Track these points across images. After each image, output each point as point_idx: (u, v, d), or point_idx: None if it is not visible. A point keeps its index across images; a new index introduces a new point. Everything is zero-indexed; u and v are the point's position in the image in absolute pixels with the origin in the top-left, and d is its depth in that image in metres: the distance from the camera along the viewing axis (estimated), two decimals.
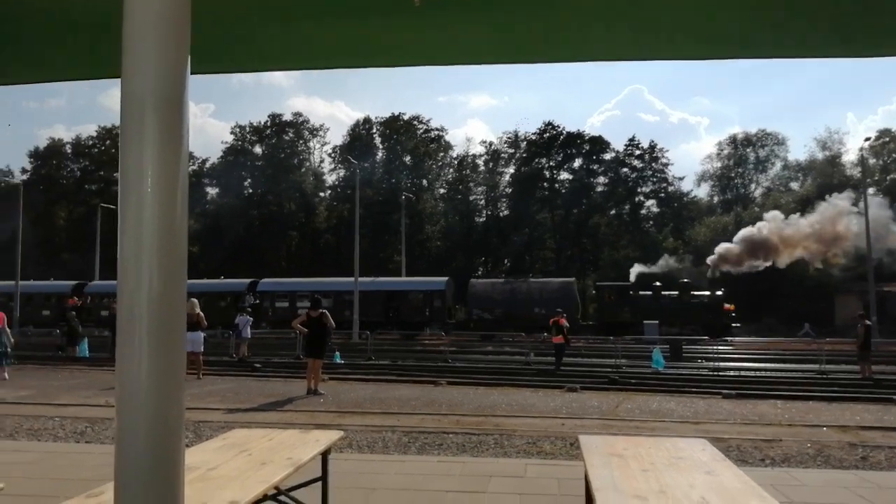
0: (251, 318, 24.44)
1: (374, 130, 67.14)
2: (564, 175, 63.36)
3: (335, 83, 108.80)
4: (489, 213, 65.79)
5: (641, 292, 36.22)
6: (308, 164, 69.02)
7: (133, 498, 0.77)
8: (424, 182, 65.37)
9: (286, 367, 19.84)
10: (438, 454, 7.25)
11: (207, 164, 66.48)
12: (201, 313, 15.88)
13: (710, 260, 38.85)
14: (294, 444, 3.34)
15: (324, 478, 3.58)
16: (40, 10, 1.69)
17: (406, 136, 65.15)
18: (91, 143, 68.27)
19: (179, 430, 0.81)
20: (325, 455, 3.50)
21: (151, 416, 0.77)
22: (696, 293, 35.03)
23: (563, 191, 62.36)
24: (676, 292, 35.37)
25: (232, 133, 68.26)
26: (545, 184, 62.69)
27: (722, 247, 38.25)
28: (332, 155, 68.32)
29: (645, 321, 32.66)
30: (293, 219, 63.84)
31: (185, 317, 0.84)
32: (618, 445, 3.54)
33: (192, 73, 0.85)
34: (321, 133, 69.69)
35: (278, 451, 3.22)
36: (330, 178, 69.04)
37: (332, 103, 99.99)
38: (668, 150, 63.09)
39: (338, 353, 21.93)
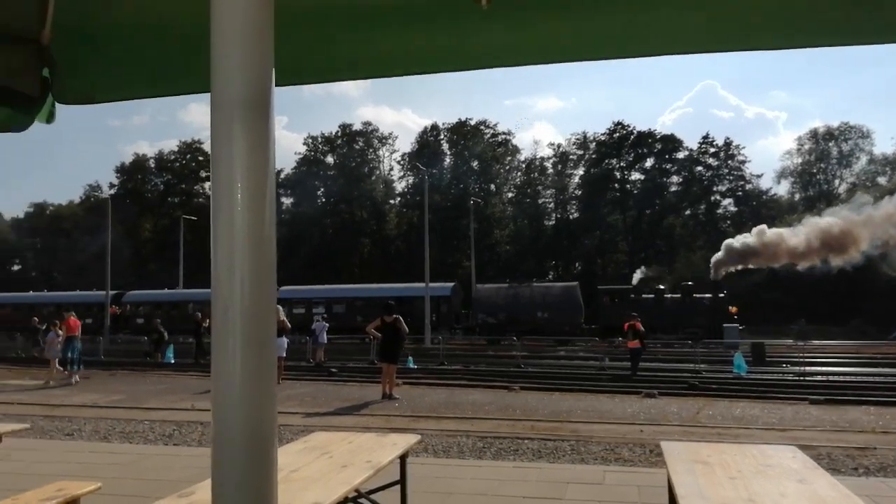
0: (327, 324, 24.97)
1: (442, 136, 67.63)
2: (636, 175, 62.11)
3: (402, 91, 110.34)
4: (559, 215, 65.13)
5: (644, 295, 35.95)
6: (378, 172, 70.12)
7: (229, 498, 0.80)
8: (492, 186, 65.33)
9: (361, 371, 20.17)
10: (514, 459, 7.21)
11: (282, 175, 68.46)
12: (285, 319, 16.34)
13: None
14: (373, 448, 3.39)
15: (402, 481, 3.62)
16: (129, 29, 1.78)
17: (473, 141, 65.29)
18: (173, 157, 71.43)
19: (272, 433, 0.83)
20: (403, 458, 3.53)
21: (245, 419, 0.80)
22: (697, 295, 34.72)
23: (635, 191, 61.10)
24: (679, 295, 35.23)
25: (305, 144, 70.04)
26: (616, 185, 61.59)
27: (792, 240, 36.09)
28: (401, 162, 69.27)
29: (725, 324, 31.50)
30: (365, 226, 64.96)
31: (275, 322, 0.87)
32: (702, 452, 3.43)
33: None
34: (390, 141, 70.77)
35: (358, 453, 3.28)
36: (399, 186, 69.99)
37: (400, 111, 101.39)
38: (744, 147, 60.79)
39: (411, 358, 22.13)
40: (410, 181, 67.30)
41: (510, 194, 67.36)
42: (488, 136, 66.97)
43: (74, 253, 64.27)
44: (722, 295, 34.60)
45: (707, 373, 19.67)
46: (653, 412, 11.42)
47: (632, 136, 60.93)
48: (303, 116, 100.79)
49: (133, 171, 71.37)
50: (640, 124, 63.87)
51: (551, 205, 66.14)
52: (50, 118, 1.99)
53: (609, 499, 5.40)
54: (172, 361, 24.81)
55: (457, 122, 66.81)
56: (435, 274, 39.91)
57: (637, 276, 40.56)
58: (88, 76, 1.91)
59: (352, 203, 64.74)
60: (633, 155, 61.28)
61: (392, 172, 70.87)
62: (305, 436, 8.69)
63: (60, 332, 16.96)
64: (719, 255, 35.84)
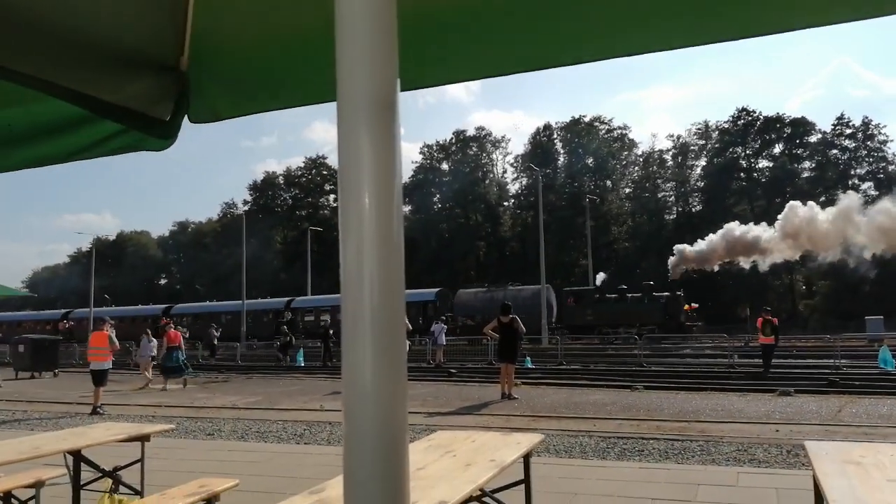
0: (446, 326, 25.34)
1: (555, 136, 66.88)
2: (763, 163, 58.60)
3: (513, 93, 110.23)
4: (680, 209, 62.64)
5: (608, 295, 37.61)
6: (492, 175, 70.42)
7: (363, 495, 0.83)
8: (608, 183, 63.86)
9: (480, 372, 20.28)
10: (640, 460, 7.00)
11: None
12: (407, 321, 16.71)
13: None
14: (496, 447, 3.40)
15: (526, 481, 3.61)
16: (258, 44, 1.89)
17: (588, 138, 64.11)
18: (300, 173, 75.14)
19: (403, 432, 0.85)
20: (526, 458, 3.52)
21: (377, 420, 0.82)
22: (657, 294, 36.36)
23: (763, 180, 57.66)
24: (640, 294, 36.61)
25: (420, 153, 71.48)
26: (742, 174, 58.41)
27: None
28: (514, 164, 69.17)
29: (867, 317, 29.27)
30: (480, 229, 65.39)
31: (404, 325, 0.88)
32: (854, 452, 3.17)
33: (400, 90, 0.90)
34: (503, 144, 70.87)
35: (481, 452, 3.30)
36: (513, 188, 69.89)
37: (511, 113, 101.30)
38: (884, 126, 55.80)
39: (528, 358, 22.02)
40: (524, 182, 67.08)
41: (627, 190, 65.56)
42: (603, 132, 65.54)
43: (214, 266, 69.04)
44: (680, 293, 36.62)
45: (848, 368, 18.22)
46: (789, 411, 10.72)
47: (758, 122, 57.57)
48: (418, 126, 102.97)
49: (264, 188, 75.71)
50: (766, 109, 60.01)
51: (672, 198, 63.75)
52: (174, 136, 2.12)
53: (744, 501, 5.13)
54: (303, 364, 26.06)
55: (570, 121, 65.91)
56: (551, 274, 39.55)
57: (600, 277, 43.45)
58: (217, 94, 2.02)
59: (466, 207, 65.39)
60: (759, 141, 57.88)
61: (505, 175, 70.96)
62: (429, 434, 8.87)
63: (153, 340, 18.70)
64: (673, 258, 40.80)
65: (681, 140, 63.08)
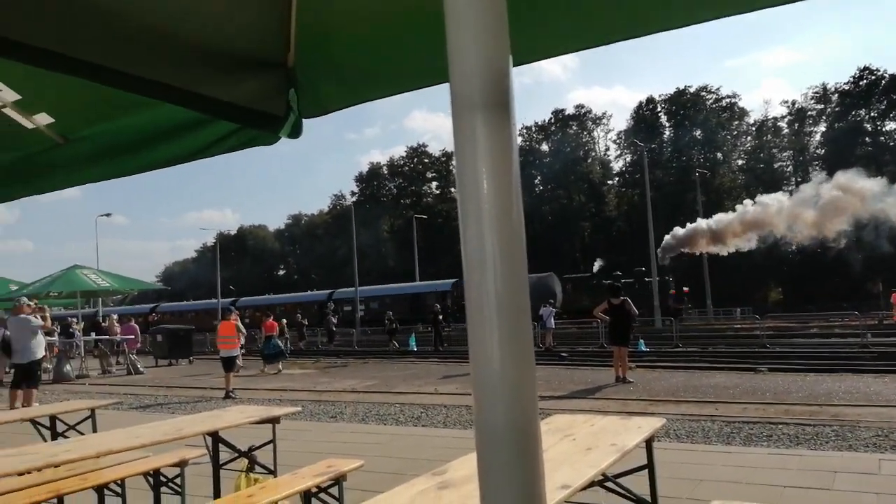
0: (554, 309, 25.14)
1: (659, 109, 64.40)
2: (891, 125, 53.92)
3: (613, 68, 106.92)
4: (798, 179, 58.79)
5: (604, 281, 36.30)
6: (594, 153, 68.84)
7: (497, 480, 0.83)
8: (719, 155, 60.87)
9: (592, 355, 19.98)
10: (768, 446, 6.68)
11: None
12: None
13: None
14: (617, 431, 3.34)
15: (650, 466, 3.52)
16: (364, 36, 1.92)
17: (694, 110, 61.31)
18: (402, 162, 76.54)
19: (535, 415, 0.85)
20: (649, 443, 3.44)
21: (507, 403, 0.82)
22: (648, 279, 36.96)
23: (892, 143, 53.06)
24: (632, 279, 37.48)
25: (520, 135, 70.88)
26: (867, 139, 54.00)
27: None
28: (617, 141, 67.27)
29: None
30: (584, 210, 64.16)
31: (529, 308, 0.87)
32: None
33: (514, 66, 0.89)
34: (604, 121, 69.08)
35: (601, 436, 3.25)
36: (617, 165, 68.03)
37: (612, 89, 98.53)
38: None
39: (642, 341, 21.46)
40: (628, 159, 65.13)
41: (740, 162, 62.23)
42: (711, 101, 62.44)
43: (327, 255, 71.77)
44: (669, 278, 38.30)
45: None
46: None
47: (883, 82, 52.96)
48: (516, 108, 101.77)
49: (370, 178, 77.79)
50: (892, 67, 55.21)
51: (789, 168, 59.93)
52: (295, 133, 2.20)
53: (889, 490, 4.78)
54: (415, 349, 26.66)
55: (675, 92, 63.25)
56: None
57: (597, 265, 45.10)
58: (324, 87, 2.07)
59: (569, 188, 64.31)
60: (885, 102, 53.26)
61: (608, 152, 69.16)
62: (544, 418, 8.84)
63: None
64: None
65: (797, 106, 59.11)
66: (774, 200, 39.20)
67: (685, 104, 61.94)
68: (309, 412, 10.07)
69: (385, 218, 73.37)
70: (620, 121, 79.87)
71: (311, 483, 3.83)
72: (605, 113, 75.47)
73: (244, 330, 14.54)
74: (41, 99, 2.51)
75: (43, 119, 2.58)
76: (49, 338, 12.87)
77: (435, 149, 79.31)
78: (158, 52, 1.80)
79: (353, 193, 77.48)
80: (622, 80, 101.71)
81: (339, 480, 3.94)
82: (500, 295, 0.82)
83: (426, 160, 75.12)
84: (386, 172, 77.92)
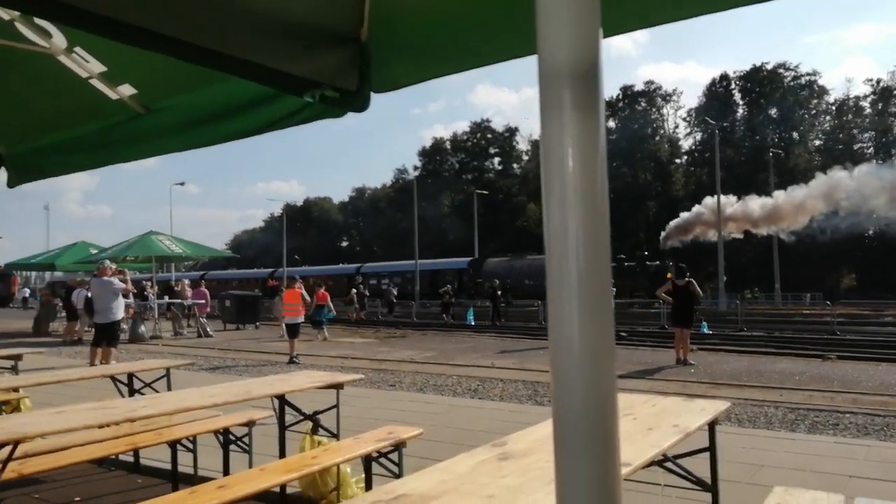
0: (614, 289, 24.84)
1: (733, 86, 61.98)
2: None
3: (685, 44, 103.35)
4: (880, 160, 55.82)
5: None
6: (662, 131, 66.96)
7: (573, 456, 0.85)
8: (795, 135, 58.31)
9: (651, 336, 19.69)
10: (834, 434, 6.49)
11: None
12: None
13: None
14: (678, 412, 3.32)
15: (711, 448, 3.49)
16: (439, 9, 1.93)
17: (770, 88, 58.72)
18: (465, 137, 76.24)
19: (613, 393, 0.85)
20: (712, 425, 3.40)
21: (585, 380, 0.82)
22: (649, 263, 37.84)
23: None
24: (634, 262, 38.26)
25: None
26: None
27: None
28: (687, 119, 65.20)
29: None
30: (649, 188, 62.70)
31: (611, 285, 0.86)
32: None
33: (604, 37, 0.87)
34: (674, 98, 66.97)
35: (663, 417, 3.23)
36: (686, 144, 66.03)
37: (683, 65, 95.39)
38: None
39: (705, 323, 21.01)
40: (698, 137, 63.12)
41: (817, 142, 59.49)
42: (789, 79, 59.69)
43: (389, 228, 72.55)
44: (669, 262, 37.62)
45: None
46: None
47: None
48: None
49: (432, 153, 77.85)
50: None
51: (870, 150, 56.95)
52: (363, 106, 2.23)
53: None
54: (473, 323, 26.83)
55: (750, 69, 60.63)
56: None
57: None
58: (396, 62, 2.09)
59: (635, 165, 62.85)
60: None
61: (677, 130, 67.14)
62: None
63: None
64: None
65: (881, 84, 55.88)
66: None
67: (761, 81, 59.39)
68: (369, 380, 10.30)
69: (446, 193, 73.44)
70: (691, 98, 77.40)
71: (373, 448, 3.95)
72: (675, 90, 72.96)
73: (308, 298, 14.93)
74: (125, 71, 2.62)
75: (126, 90, 2.70)
76: (127, 300, 13.50)
77: (498, 124, 78.81)
78: (235, 27, 1.85)
79: (415, 168, 77.82)
80: (694, 55, 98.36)
81: (398, 447, 4.05)
82: (581, 272, 0.82)
83: (489, 135, 74.63)
84: (449, 147, 77.80)
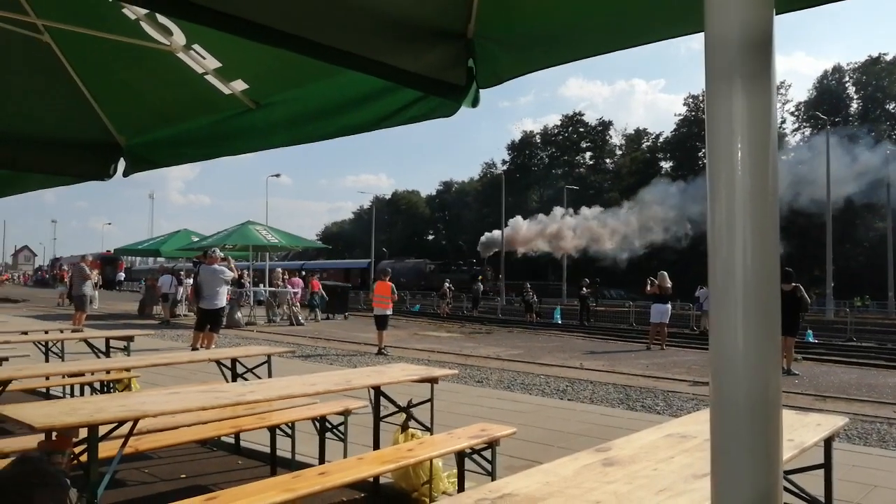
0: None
1: (846, 79, 58.26)
2: None
3: (793, 34, 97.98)
4: None
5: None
6: None
7: (733, 465, 0.79)
8: None
9: None
10: None
11: (661, 139, 67.03)
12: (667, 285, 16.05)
13: None
14: (792, 425, 3.13)
15: (827, 466, 3.27)
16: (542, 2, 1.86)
17: (890, 80, 54.82)
18: (556, 131, 75.25)
19: (777, 401, 0.80)
20: (828, 442, 3.19)
21: (747, 386, 0.78)
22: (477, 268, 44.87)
23: None
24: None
25: (685, 104, 67.00)
26: None
27: None
28: (795, 113, 61.83)
29: None
30: None
31: (778, 288, 0.81)
32: None
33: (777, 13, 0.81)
34: (781, 90, 63.60)
35: None
36: (793, 139, 62.62)
37: (791, 56, 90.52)
38: None
39: (810, 332, 19.90)
40: (806, 133, 59.78)
41: None
42: None
43: (475, 223, 72.66)
44: (480, 268, 46.38)
45: None
46: None
47: None
48: (681, 75, 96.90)
49: (521, 147, 77.27)
50: None
51: None
52: (475, 102, 2.21)
53: None
54: (560, 322, 26.51)
55: (866, 60, 56.84)
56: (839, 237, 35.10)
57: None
58: (501, 57, 2.06)
59: None
60: None
61: (784, 125, 63.78)
62: (696, 404, 8.48)
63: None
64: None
65: None
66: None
67: (879, 73, 55.56)
68: (456, 375, 10.32)
69: (535, 187, 72.78)
70: (800, 91, 73.25)
71: (466, 444, 3.94)
72: (783, 82, 69.37)
73: (396, 291, 15.15)
74: (238, 66, 2.71)
75: (239, 85, 2.80)
76: (233, 287, 14.21)
77: (592, 118, 77.21)
78: (346, 21, 1.87)
79: (503, 162, 77.47)
80: (802, 46, 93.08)
81: (492, 445, 4.03)
82: (748, 270, 0.78)
83: (581, 129, 73.31)
84: (539, 141, 77.00)
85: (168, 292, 20.99)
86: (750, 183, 0.77)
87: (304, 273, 31.54)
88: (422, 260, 54.03)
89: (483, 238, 55.13)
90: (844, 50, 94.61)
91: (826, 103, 54.20)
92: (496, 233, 52.64)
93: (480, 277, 38.06)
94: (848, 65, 58.23)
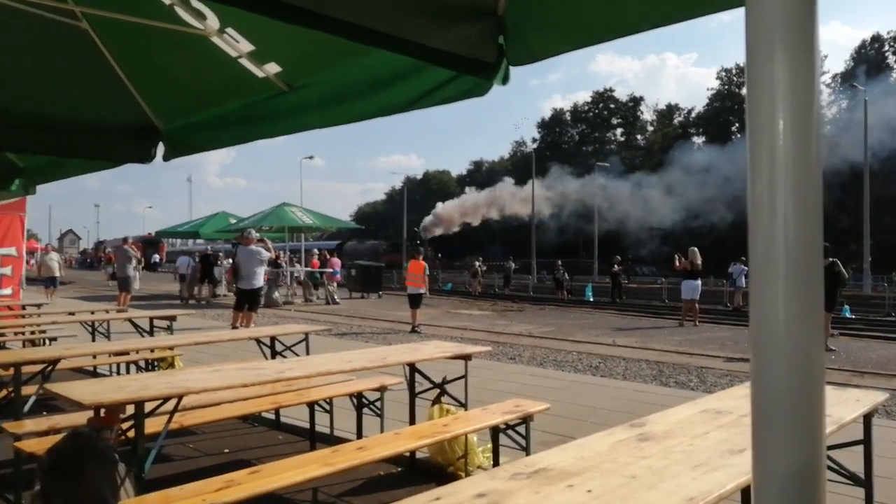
0: (745, 268, 23.52)
1: (886, 48, 56.34)
2: None
3: (829, 2, 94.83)
4: None
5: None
6: None
7: (774, 442, 0.80)
8: None
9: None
10: None
11: (693, 114, 65.77)
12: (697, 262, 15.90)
13: None
14: (830, 401, 3.10)
15: (866, 442, 3.24)
16: None
17: None
18: (586, 108, 74.23)
19: (821, 379, 0.80)
20: (867, 417, 3.16)
21: (789, 362, 0.78)
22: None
23: None
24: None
25: (718, 78, 65.38)
26: None
27: None
28: (832, 85, 60.06)
29: None
30: None
31: (821, 261, 0.81)
32: None
33: None
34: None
35: None
36: (829, 112, 60.89)
37: (827, 25, 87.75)
38: None
39: (847, 307, 19.53)
40: (843, 105, 58.04)
41: None
42: None
43: None
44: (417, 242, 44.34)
45: None
46: None
47: None
48: (713, 49, 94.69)
49: (552, 125, 76.42)
50: None
51: None
52: (505, 80, 2.20)
53: None
54: (591, 299, 26.39)
55: None
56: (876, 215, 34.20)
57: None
58: (534, 35, 2.05)
59: None
60: None
61: (820, 97, 62.01)
62: (730, 380, 8.41)
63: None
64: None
65: None
66: None
67: None
68: (488, 352, 10.38)
69: (565, 166, 72.06)
70: (836, 62, 71.13)
71: (500, 420, 3.98)
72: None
73: (429, 270, 15.23)
74: (272, 49, 2.74)
75: (272, 68, 2.82)
76: (269, 268, 14.45)
77: (622, 94, 75.94)
78: (378, 1, 1.89)
79: (533, 140, 76.73)
80: (839, 14, 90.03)
81: (526, 420, 4.06)
82: (790, 242, 0.77)
83: (612, 105, 72.23)
84: (569, 119, 76.05)
85: (185, 273, 21.81)
86: (793, 153, 0.77)
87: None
88: (378, 241, 57.47)
89: (424, 220, 58.96)
90: (884, 18, 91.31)
91: (864, 74, 52.56)
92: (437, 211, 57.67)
93: (510, 257, 38.04)
94: (888, 33, 56.30)
